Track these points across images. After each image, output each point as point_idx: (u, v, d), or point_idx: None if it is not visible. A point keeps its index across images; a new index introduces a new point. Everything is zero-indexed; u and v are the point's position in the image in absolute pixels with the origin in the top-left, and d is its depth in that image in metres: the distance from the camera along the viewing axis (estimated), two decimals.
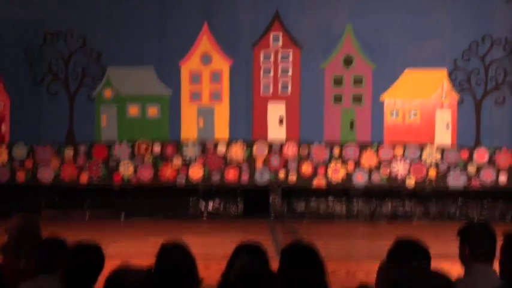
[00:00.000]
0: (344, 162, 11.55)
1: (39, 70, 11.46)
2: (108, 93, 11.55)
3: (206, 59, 11.64)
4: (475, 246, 4.14)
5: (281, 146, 11.56)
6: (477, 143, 11.56)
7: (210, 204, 11.91)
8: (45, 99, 11.45)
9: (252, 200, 11.88)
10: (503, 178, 11.53)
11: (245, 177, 11.52)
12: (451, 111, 11.59)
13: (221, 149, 11.54)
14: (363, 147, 11.56)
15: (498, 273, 4.10)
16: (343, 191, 11.89)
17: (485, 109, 11.60)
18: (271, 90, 11.62)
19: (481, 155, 11.55)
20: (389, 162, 11.55)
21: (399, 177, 11.55)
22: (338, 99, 11.63)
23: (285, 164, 11.56)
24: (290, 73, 11.63)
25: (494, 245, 4.21)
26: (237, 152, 11.54)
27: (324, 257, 3.89)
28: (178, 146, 11.54)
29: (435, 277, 2.90)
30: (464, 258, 4.17)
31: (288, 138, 11.57)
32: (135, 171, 11.51)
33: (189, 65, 11.63)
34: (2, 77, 11.50)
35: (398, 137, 11.56)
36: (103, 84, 11.54)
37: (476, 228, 4.26)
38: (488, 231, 4.22)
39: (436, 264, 3.49)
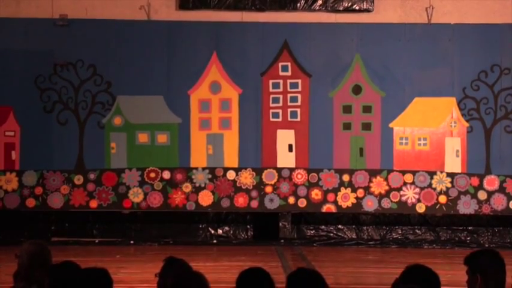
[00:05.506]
0: (353, 189, 11.54)
1: (50, 99, 11.51)
2: (117, 120, 11.58)
3: (215, 88, 11.67)
4: (487, 274, 4.13)
5: (290, 173, 11.56)
6: (487, 171, 11.54)
7: (220, 229, 11.90)
8: (55, 127, 11.49)
9: (262, 226, 11.86)
10: None
11: (254, 204, 11.51)
12: (460, 139, 11.58)
13: (230, 175, 11.55)
14: (372, 174, 11.55)
15: None
16: (353, 217, 11.87)
17: (495, 137, 11.59)
18: (280, 118, 11.64)
19: (492, 182, 11.52)
20: (399, 188, 11.53)
21: (409, 203, 11.52)
22: (347, 126, 11.64)
23: (295, 190, 11.55)
24: (299, 102, 11.65)
25: (505, 273, 4.21)
26: (247, 178, 11.54)
27: (333, 283, 3.90)
28: (188, 173, 11.55)
29: None
30: (475, 287, 4.15)
31: (297, 166, 11.57)
32: (145, 197, 11.51)
33: (198, 94, 11.66)
34: (13, 107, 11.55)
35: (407, 164, 11.54)
36: (113, 112, 11.57)
37: (487, 257, 4.25)
38: (498, 259, 4.21)
39: None
